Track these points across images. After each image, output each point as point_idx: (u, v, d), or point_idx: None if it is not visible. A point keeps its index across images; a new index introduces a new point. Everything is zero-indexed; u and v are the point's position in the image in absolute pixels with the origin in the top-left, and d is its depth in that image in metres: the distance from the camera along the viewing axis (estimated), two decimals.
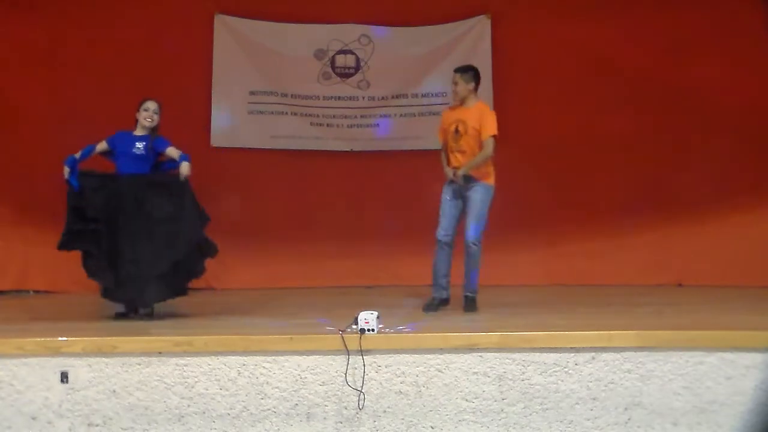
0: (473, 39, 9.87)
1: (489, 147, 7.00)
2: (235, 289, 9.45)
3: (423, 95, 9.89)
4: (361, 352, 5.63)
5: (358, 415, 5.66)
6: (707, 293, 8.47)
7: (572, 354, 5.68)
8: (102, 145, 7.10)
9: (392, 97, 9.94)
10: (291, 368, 5.69)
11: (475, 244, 6.94)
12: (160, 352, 5.70)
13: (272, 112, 9.88)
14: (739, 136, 9.18)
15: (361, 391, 5.63)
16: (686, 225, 9.31)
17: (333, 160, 9.86)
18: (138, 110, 7.17)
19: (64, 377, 5.66)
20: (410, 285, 9.05)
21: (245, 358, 5.69)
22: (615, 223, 9.44)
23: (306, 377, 5.69)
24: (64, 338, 5.77)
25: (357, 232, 9.62)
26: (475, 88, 7.22)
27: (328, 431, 5.68)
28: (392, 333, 5.83)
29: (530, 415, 5.68)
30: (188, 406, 5.68)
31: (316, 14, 9.83)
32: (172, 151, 7.09)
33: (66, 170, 6.81)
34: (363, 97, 9.98)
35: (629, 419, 5.65)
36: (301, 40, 9.89)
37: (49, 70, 9.38)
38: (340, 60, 9.97)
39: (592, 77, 9.55)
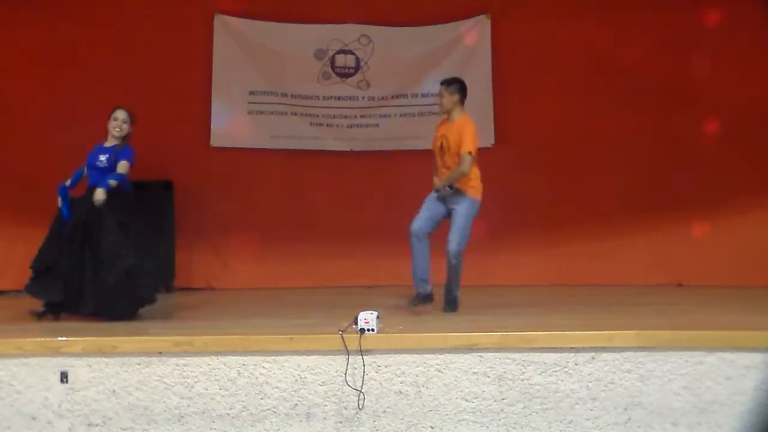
0: (473, 39, 9.85)
1: (464, 164, 6.88)
2: (235, 289, 9.44)
3: (423, 95, 9.87)
4: (361, 352, 5.64)
5: (357, 415, 5.67)
6: (707, 293, 8.47)
7: (572, 354, 5.69)
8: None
9: (392, 97, 9.92)
10: (291, 368, 5.69)
11: (455, 258, 6.92)
12: (160, 352, 5.71)
13: (272, 112, 9.87)
14: (740, 136, 9.18)
15: (360, 391, 5.63)
16: (686, 225, 9.31)
17: (333, 160, 9.84)
18: (108, 119, 7.06)
19: (63, 377, 5.66)
20: (410, 285, 9.04)
21: (245, 358, 5.70)
22: (615, 223, 9.43)
23: (306, 377, 5.69)
24: (64, 338, 5.78)
25: (357, 232, 9.61)
26: (461, 101, 7.16)
27: (328, 431, 5.68)
28: (392, 333, 5.83)
29: (530, 415, 5.68)
30: (188, 406, 5.68)
31: (316, 14, 9.82)
32: (120, 167, 6.89)
33: (59, 200, 6.81)
34: (363, 97, 9.96)
35: (629, 419, 5.65)
36: (301, 40, 9.87)
37: (48, 70, 9.37)
38: (340, 60, 9.96)
39: (592, 77, 9.54)
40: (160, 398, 5.68)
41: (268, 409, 5.69)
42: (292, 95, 9.87)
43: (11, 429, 5.63)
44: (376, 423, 5.68)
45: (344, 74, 9.96)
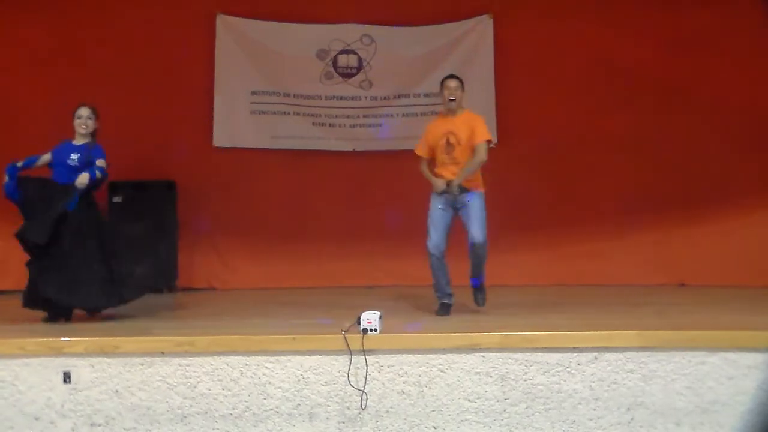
0: (475, 38, 9.86)
1: (482, 152, 6.91)
2: (237, 289, 9.46)
3: (425, 95, 9.87)
4: (364, 352, 5.64)
5: (360, 415, 5.67)
6: (709, 293, 8.46)
7: (575, 354, 5.69)
8: (46, 157, 6.97)
9: (394, 97, 9.93)
10: (293, 368, 5.69)
11: (483, 246, 6.83)
12: (162, 352, 5.71)
13: (274, 112, 9.88)
14: (741, 136, 9.18)
15: (363, 391, 5.63)
16: (688, 225, 9.31)
17: (335, 160, 9.85)
18: (73, 117, 7.05)
19: (66, 377, 5.66)
20: (412, 285, 9.05)
21: (247, 358, 5.70)
22: (617, 223, 9.44)
23: (308, 377, 5.69)
24: (67, 338, 5.78)
25: (359, 233, 9.62)
26: None
27: (331, 431, 5.68)
28: (395, 333, 5.83)
29: (533, 415, 5.68)
30: (191, 406, 5.68)
31: (318, 14, 9.83)
32: (98, 163, 6.90)
33: (6, 177, 6.78)
34: (365, 97, 9.97)
35: (632, 419, 5.65)
36: (303, 40, 9.88)
37: (50, 70, 9.37)
38: (342, 60, 9.97)
39: (594, 77, 9.55)
40: (163, 398, 5.69)
41: (271, 409, 5.69)
42: (294, 95, 9.88)
43: (14, 429, 5.64)
44: (378, 423, 5.68)
45: (346, 74, 9.97)
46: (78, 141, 6.99)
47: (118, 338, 5.81)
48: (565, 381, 5.68)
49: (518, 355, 5.70)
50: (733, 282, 8.81)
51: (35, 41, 9.39)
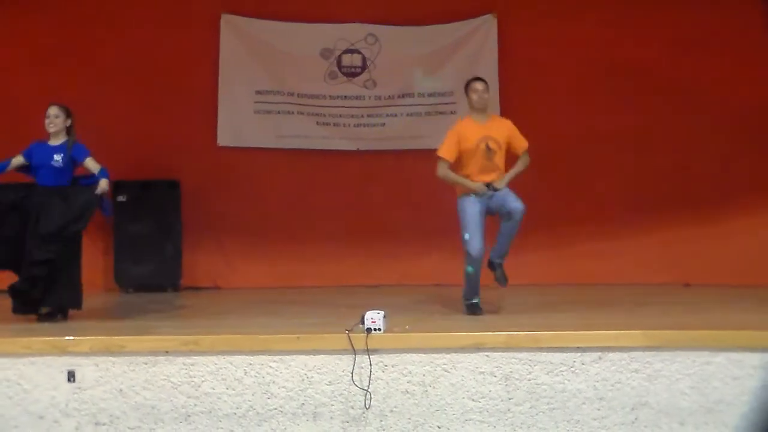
0: (479, 38, 9.85)
1: (527, 157, 7.07)
2: (241, 288, 9.45)
3: (429, 94, 9.87)
4: (368, 351, 5.64)
5: (364, 415, 5.67)
6: (714, 293, 8.44)
7: (579, 354, 5.68)
8: (18, 159, 6.92)
9: (399, 97, 9.92)
10: (297, 368, 5.69)
11: (524, 212, 6.83)
12: (166, 352, 5.71)
13: (279, 112, 9.87)
14: (747, 136, 9.16)
15: (367, 391, 5.63)
16: (693, 225, 9.28)
17: (339, 159, 9.85)
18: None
19: (71, 376, 5.67)
20: (416, 284, 9.06)
21: (251, 357, 5.70)
22: (622, 223, 9.42)
23: (312, 377, 5.69)
24: (71, 337, 5.79)
25: (363, 232, 9.62)
26: None
27: (335, 431, 5.68)
28: (399, 332, 5.83)
29: (537, 414, 5.68)
30: (195, 405, 5.69)
31: (323, 13, 9.83)
32: (90, 163, 6.91)
33: None
34: (369, 97, 9.95)
35: (636, 419, 5.65)
36: (308, 40, 9.87)
37: (54, 70, 9.37)
38: (347, 59, 9.96)
39: (599, 76, 9.52)
40: (167, 397, 5.69)
41: (275, 409, 5.69)
42: (298, 94, 9.87)
43: (18, 428, 5.64)
44: (382, 422, 5.68)
45: (351, 73, 9.96)
46: (54, 141, 6.94)
47: (122, 337, 5.81)
48: (569, 381, 5.68)
49: (522, 355, 5.69)
50: (739, 281, 8.76)
51: (37, 40, 9.39)
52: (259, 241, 9.58)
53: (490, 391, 5.68)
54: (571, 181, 9.52)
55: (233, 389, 5.70)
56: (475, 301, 6.97)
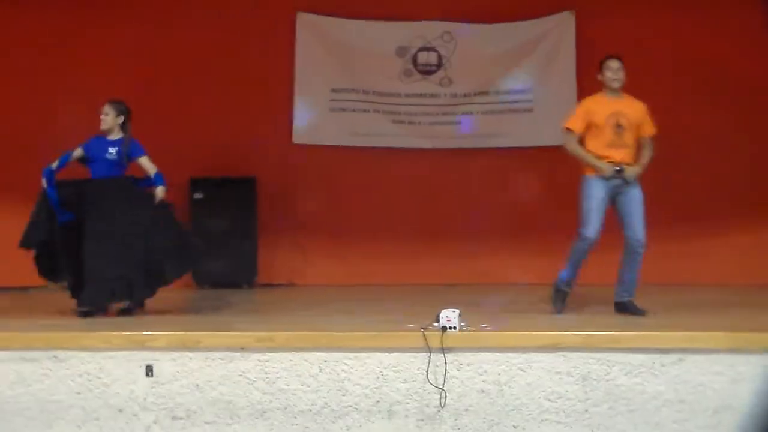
0: (557, 35, 9.74)
1: (652, 147, 6.79)
2: (317, 285, 9.50)
3: (506, 92, 9.80)
4: (443, 350, 5.59)
5: (439, 413, 5.63)
6: None
7: (658, 355, 5.56)
8: (78, 152, 7.07)
9: (475, 95, 9.87)
10: (372, 365, 5.67)
11: (644, 247, 6.66)
12: (242, 348, 5.74)
13: (354, 110, 9.90)
14: None
15: (442, 389, 5.59)
16: None
17: (415, 157, 9.83)
18: None
19: (149, 371, 5.73)
20: (493, 283, 8.99)
21: (326, 354, 5.69)
22: (713, 223, 9.24)
23: (388, 374, 5.67)
24: (149, 332, 5.86)
25: (438, 230, 9.60)
26: None
27: (410, 429, 5.65)
28: (474, 331, 5.78)
29: (615, 416, 5.57)
30: (270, 401, 5.71)
31: (398, 11, 9.83)
32: (145, 162, 7.05)
33: (44, 181, 6.84)
34: (445, 95, 9.92)
35: (719, 423, 5.50)
36: (383, 38, 9.89)
37: (132, 69, 9.51)
38: (422, 57, 9.94)
39: (680, 73, 9.37)
40: (243, 393, 5.72)
41: (350, 406, 5.68)
42: (374, 92, 9.89)
43: (99, 420, 5.73)
44: (457, 421, 5.63)
45: (426, 71, 9.93)
46: (111, 136, 7.05)
47: (199, 333, 5.87)
48: (648, 382, 5.56)
49: (600, 355, 5.59)
50: None
51: (121, 42, 9.55)
52: (333, 238, 9.63)
53: (566, 391, 5.59)
54: (658, 178, 9.32)
55: (308, 386, 5.70)
56: (566, 290, 6.84)
